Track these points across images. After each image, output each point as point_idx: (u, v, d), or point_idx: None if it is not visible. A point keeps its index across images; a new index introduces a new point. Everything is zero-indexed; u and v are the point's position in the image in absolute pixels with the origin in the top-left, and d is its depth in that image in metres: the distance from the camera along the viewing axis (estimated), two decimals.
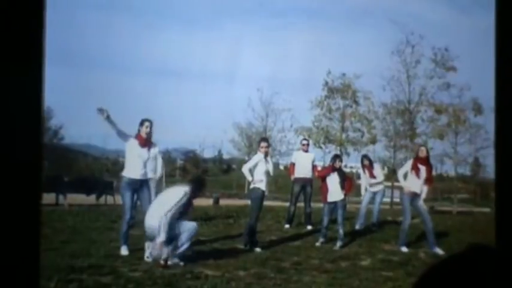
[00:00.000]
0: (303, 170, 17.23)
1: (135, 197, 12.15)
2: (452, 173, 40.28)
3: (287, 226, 16.92)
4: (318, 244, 13.72)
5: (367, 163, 17.60)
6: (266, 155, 13.25)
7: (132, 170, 12.03)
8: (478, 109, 31.71)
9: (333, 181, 14.00)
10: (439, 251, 13.15)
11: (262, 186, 12.99)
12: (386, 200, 36.69)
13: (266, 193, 13.20)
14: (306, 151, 17.65)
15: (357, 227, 16.91)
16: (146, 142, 12.17)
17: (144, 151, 12.09)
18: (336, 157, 14.65)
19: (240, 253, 12.30)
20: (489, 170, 42.41)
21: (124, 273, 9.82)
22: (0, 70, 2.84)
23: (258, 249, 12.66)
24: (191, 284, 9.28)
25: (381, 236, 15.43)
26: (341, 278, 10.26)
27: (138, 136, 12.10)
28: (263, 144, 13.50)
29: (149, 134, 12.26)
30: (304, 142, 18.09)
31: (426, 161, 13.92)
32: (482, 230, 14.34)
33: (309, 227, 16.70)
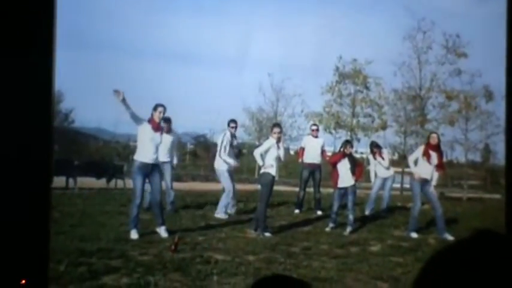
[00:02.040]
0: (312, 155, 17.21)
1: (146, 181, 12.18)
2: (462, 160, 40.10)
3: (297, 211, 16.91)
4: (327, 229, 13.66)
5: (377, 150, 17.55)
6: (278, 140, 13.25)
7: (144, 154, 12.08)
8: (489, 96, 31.58)
9: (344, 167, 13.93)
10: (448, 236, 13.15)
11: (273, 171, 12.98)
12: (397, 186, 36.65)
13: (276, 178, 13.21)
14: (316, 136, 17.59)
15: (367, 212, 16.90)
16: (159, 127, 12.25)
17: (156, 135, 12.15)
18: (347, 143, 14.59)
19: (250, 238, 12.32)
20: (499, 156, 42.25)
21: (134, 257, 9.86)
22: (11, 54, 2.85)
23: (267, 234, 12.67)
24: (201, 268, 9.31)
25: (391, 221, 15.41)
26: (350, 264, 10.28)
27: (151, 120, 12.15)
28: (276, 129, 13.49)
29: (163, 119, 12.47)
30: (314, 127, 18.01)
31: (437, 148, 13.91)
32: (493, 216, 14.30)
33: (319, 213, 16.68)
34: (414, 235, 13.43)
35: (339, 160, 13.98)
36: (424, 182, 13.64)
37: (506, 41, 2.76)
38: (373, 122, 33.99)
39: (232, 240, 11.93)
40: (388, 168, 17.44)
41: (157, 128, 12.19)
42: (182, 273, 9.04)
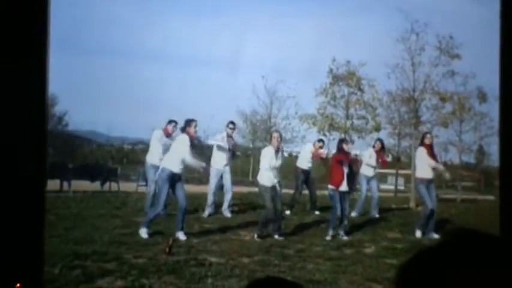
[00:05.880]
0: (305, 160, 17.43)
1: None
2: (456, 161, 40.19)
3: (287, 212, 16.96)
4: (328, 238, 13.09)
5: (379, 147, 17.51)
6: (277, 149, 13.18)
7: (173, 164, 12.29)
8: (482, 97, 31.65)
9: (346, 169, 13.62)
10: (435, 236, 13.24)
11: (267, 182, 12.91)
12: (391, 187, 36.73)
13: (274, 184, 13.06)
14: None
15: (354, 214, 16.76)
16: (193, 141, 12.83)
17: (189, 148, 12.56)
18: (342, 141, 14.37)
19: (244, 240, 12.33)
20: (493, 158, 42.37)
21: (128, 260, 9.86)
22: (4, 57, 2.85)
23: (276, 236, 12.63)
24: (195, 270, 9.31)
25: (385, 223, 15.43)
26: (345, 266, 10.29)
27: (188, 133, 12.64)
28: (275, 134, 13.51)
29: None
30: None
31: (431, 147, 14.05)
32: (487, 218, 14.32)
33: (316, 213, 16.74)
34: (434, 235, 13.51)
35: (343, 160, 13.70)
36: (429, 183, 13.77)
37: (500, 42, 2.77)
38: (367, 124, 34.04)
39: (227, 242, 11.94)
40: (374, 168, 17.43)
41: (191, 141, 12.63)
42: (176, 275, 9.03)
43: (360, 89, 34.33)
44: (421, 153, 14.09)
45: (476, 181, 46.97)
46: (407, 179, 34.23)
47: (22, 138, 2.87)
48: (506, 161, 2.91)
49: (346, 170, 13.54)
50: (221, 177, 15.96)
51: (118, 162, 36.53)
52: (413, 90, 29.04)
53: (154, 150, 15.25)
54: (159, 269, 9.29)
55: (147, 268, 9.37)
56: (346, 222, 13.53)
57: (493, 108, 30.20)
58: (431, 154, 14.06)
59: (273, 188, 12.87)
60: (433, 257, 1.26)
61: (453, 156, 40.09)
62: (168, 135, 15.16)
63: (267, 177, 12.87)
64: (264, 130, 43.36)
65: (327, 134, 33.43)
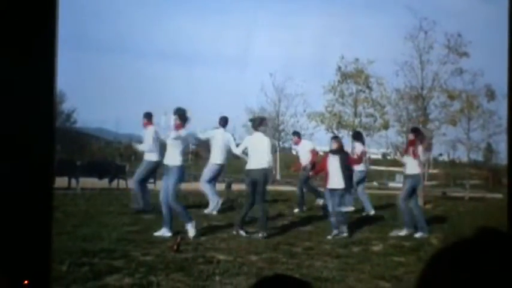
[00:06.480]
0: (304, 160, 17.54)
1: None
2: (464, 159, 40.12)
3: (296, 210, 16.95)
4: (329, 238, 12.83)
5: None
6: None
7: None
8: (491, 95, 31.58)
9: (332, 165, 13.43)
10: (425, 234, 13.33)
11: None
12: (399, 185, 36.64)
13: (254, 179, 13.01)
14: (296, 143, 18.14)
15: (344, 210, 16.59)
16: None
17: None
18: (332, 138, 14.28)
19: (252, 238, 12.32)
20: (502, 156, 42.23)
21: (136, 257, 9.87)
22: (13, 54, 2.85)
23: (260, 235, 12.55)
24: (203, 268, 9.31)
25: (392, 221, 15.41)
26: (353, 263, 10.28)
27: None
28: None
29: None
30: (294, 138, 18.73)
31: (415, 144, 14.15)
32: (495, 216, 14.31)
33: (321, 202, 16.86)
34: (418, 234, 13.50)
35: (326, 161, 13.64)
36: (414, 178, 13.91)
37: (508, 40, 2.76)
38: (375, 121, 34.02)
39: (235, 240, 11.94)
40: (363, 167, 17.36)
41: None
42: (184, 273, 9.03)
43: (368, 87, 34.33)
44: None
45: (485, 179, 46.77)
46: None
47: (31, 136, 2.88)
48: None
49: (331, 167, 13.36)
50: (217, 173, 16.15)
51: (126, 159, 36.52)
52: (422, 88, 28.98)
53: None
54: (167, 267, 9.30)
55: (155, 265, 9.37)
56: (333, 219, 13.21)
57: (501, 106, 30.11)
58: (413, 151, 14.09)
59: (254, 182, 12.91)
60: (459, 257, 1.27)
61: (461, 154, 40.10)
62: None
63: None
64: (272, 128, 43.40)
65: (335, 131, 33.41)
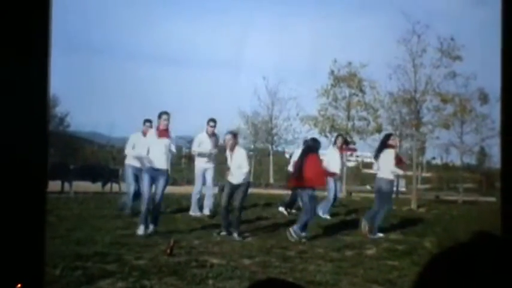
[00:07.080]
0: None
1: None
2: (458, 163, 40.25)
3: (281, 209, 16.99)
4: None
5: (345, 146, 17.03)
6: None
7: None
8: (484, 99, 31.77)
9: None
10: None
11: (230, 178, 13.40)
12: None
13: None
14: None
15: (322, 214, 16.54)
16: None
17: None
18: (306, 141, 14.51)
19: (245, 242, 12.33)
20: (495, 159, 42.37)
21: (129, 261, 9.85)
22: (6, 58, 2.85)
23: (235, 235, 12.68)
24: (196, 272, 9.30)
25: (386, 225, 15.42)
26: (346, 267, 10.28)
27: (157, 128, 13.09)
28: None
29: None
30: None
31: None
32: (488, 219, 14.35)
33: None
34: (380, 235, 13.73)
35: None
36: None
37: (501, 44, 2.76)
38: (368, 125, 34.15)
39: (228, 243, 11.94)
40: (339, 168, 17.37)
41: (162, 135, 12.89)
42: (178, 277, 9.02)
43: (361, 90, 34.45)
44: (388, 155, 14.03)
45: (478, 183, 46.95)
46: (409, 180, 34.25)
47: (23, 139, 2.87)
48: (508, 162, 2.91)
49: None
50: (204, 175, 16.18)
51: (119, 163, 36.51)
52: (415, 92, 29.06)
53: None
54: (160, 270, 9.28)
55: (148, 269, 9.36)
56: (302, 219, 13.07)
57: (494, 110, 30.29)
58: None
59: (232, 184, 13.20)
60: (455, 262, 1.27)
61: (454, 158, 40.24)
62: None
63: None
64: (265, 131, 43.44)
65: (328, 135, 33.47)
